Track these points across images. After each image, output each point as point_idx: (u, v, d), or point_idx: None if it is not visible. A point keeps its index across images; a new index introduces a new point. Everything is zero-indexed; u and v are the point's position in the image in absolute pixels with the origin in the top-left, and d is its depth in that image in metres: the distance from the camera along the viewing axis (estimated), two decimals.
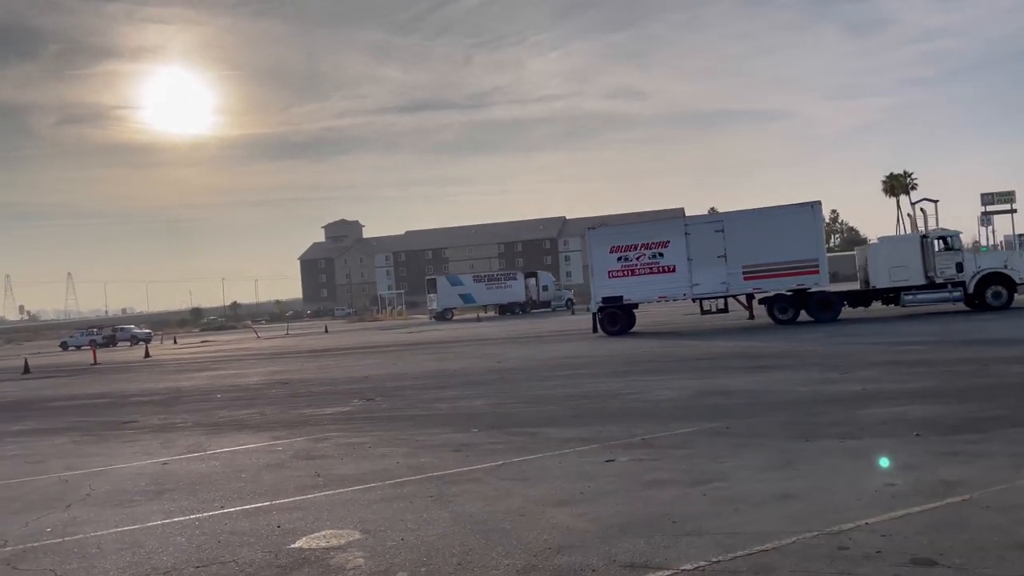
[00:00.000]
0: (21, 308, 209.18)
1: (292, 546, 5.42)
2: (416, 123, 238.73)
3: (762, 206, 26.25)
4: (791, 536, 4.76)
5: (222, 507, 6.75)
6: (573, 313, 56.69)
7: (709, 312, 26.60)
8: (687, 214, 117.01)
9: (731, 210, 25.92)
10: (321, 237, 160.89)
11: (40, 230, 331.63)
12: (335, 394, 15.37)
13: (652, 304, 28.03)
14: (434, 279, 63.46)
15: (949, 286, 23.76)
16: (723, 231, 25.21)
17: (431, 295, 60.84)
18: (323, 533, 5.67)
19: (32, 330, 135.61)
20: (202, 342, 54.92)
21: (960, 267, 23.75)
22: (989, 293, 23.59)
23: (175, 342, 56.81)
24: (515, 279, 63.40)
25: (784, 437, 7.80)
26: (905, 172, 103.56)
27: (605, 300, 26.26)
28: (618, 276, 26.02)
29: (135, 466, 9.13)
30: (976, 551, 4.28)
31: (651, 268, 25.78)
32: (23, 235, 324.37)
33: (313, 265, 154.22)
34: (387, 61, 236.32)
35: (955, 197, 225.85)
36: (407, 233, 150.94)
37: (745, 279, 24.96)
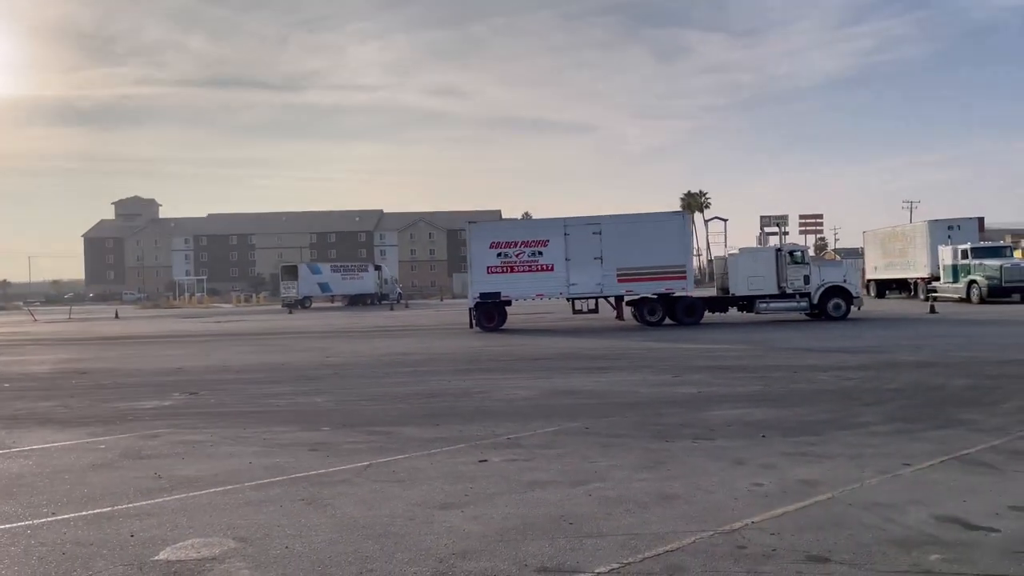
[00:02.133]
0: None
1: (156, 558, 4.83)
2: (222, 99, 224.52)
3: (634, 212, 27.22)
4: (690, 536, 4.92)
5: (54, 513, 5.90)
6: (407, 307, 56.21)
7: (580, 312, 27.17)
8: (503, 216, 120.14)
9: (609, 213, 26.62)
10: (110, 214, 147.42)
11: None
12: (147, 386, 14.06)
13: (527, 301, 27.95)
14: (294, 266, 60.87)
15: (797, 296, 25.94)
16: (600, 234, 25.86)
17: (288, 282, 58.07)
18: (190, 543, 5.10)
19: None
20: None
21: (807, 279, 25.99)
22: (830, 305, 25.90)
23: None
24: (367, 271, 63.49)
25: (644, 437, 8.11)
26: (700, 191, 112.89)
27: (483, 296, 26.06)
28: (497, 272, 25.95)
29: None
30: (860, 547, 4.64)
31: (530, 266, 25.94)
32: None
33: (99, 244, 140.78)
34: (193, 29, 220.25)
35: (742, 216, 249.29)
36: (210, 216, 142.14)
37: (619, 281, 25.82)
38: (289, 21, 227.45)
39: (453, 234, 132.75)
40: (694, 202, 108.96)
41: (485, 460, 7.30)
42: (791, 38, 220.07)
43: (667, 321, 25.91)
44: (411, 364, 16.55)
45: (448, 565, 4.57)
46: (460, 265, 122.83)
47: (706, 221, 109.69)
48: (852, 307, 26.09)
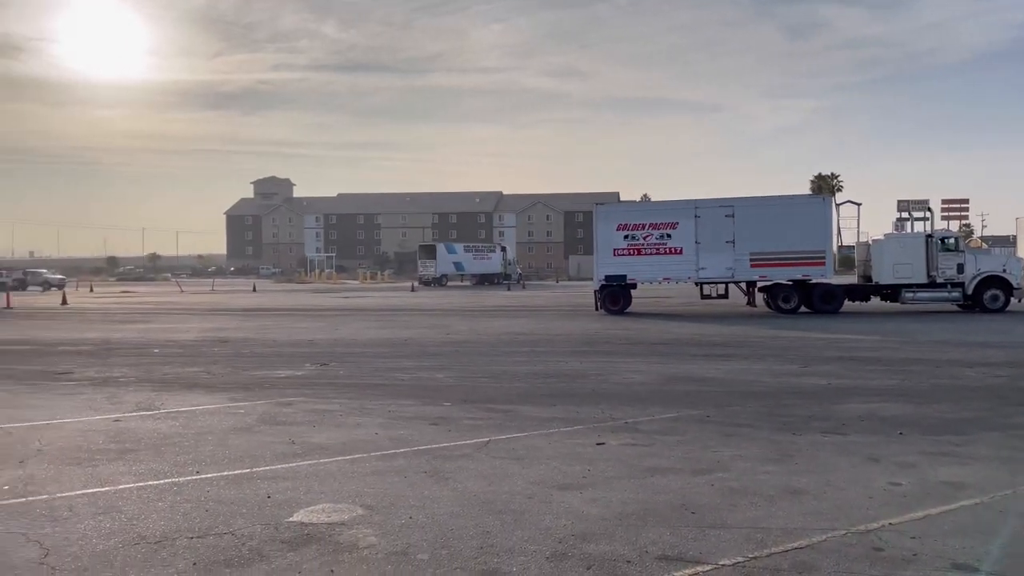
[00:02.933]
0: None
1: (291, 519, 5.08)
2: (351, 83, 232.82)
3: (771, 194, 26.26)
4: (820, 534, 4.70)
5: (198, 472, 6.32)
6: (524, 287, 56.88)
7: (709, 297, 26.47)
8: (621, 199, 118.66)
9: (742, 196, 25.73)
10: (249, 193, 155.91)
11: None
12: (282, 356, 14.82)
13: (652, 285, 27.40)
14: (432, 245, 63.89)
15: (949, 286, 24.21)
16: (733, 216, 24.98)
17: (426, 261, 61.12)
18: (321, 507, 5.34)
19: None
20: (122, 292, 52.54)
21: (961, 268, 24.21)
22: (987, 295, 24.04)
23: (91, 290, 54.16)
24: (495, 252, 65.33)
25: (768, 428, 7.81)
26: (832, 173, 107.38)
27: (608, 278, 25.72)
28: (623, 254, 25.56)
29: (85, 421, 8.52)
30: (1014, 559, 4.29)
31: (658, 249, 25.35)
32: None
33: (239, 221, 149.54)
34: (326, 17, 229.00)
35: (874, 201, 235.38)
36: (339, 196, 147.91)
37: (752, 266, 24.88)
38: (415, 6, 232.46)
39: (570, 216, 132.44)
40: (825, 185, 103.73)
41: (603, 443, 7.24)
42: (936, 10, 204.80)
43: (802, 309, 24.79)
44: (529, 344, 16.66)
45: (567, 546, 4.56)
46: (577, 247, 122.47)
47: (838, 205, 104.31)
48: (1012, 299, 24.08)
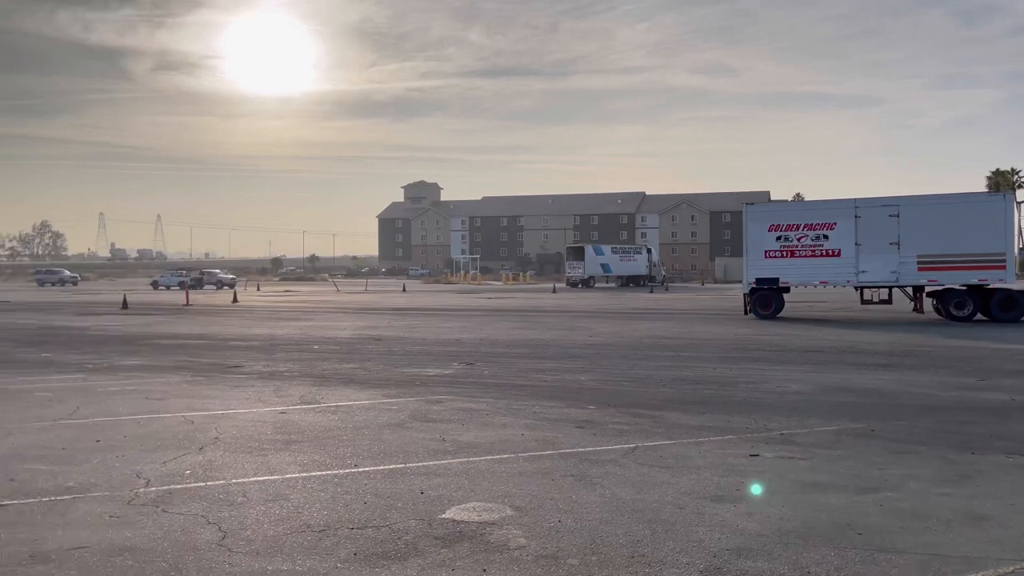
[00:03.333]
0: (112, 245, 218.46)
1: (443, 516, 5.21)
2: (497, 88, 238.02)
3: (940, 192, 24.63)
4: (1008, 564, 4.27)
5: (356, 465, 6.61)
6: (667, 289, 56.04)
7: (870, 302, 24.75)
8: (772, 198, 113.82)
9: (908, 194, 24.14)
10: (400, 197, 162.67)
11: (133, 171, 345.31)
12: (431, 355, 15.29)
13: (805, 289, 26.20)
14: (581, 247, 64.76)
15: None
16: (898, 216, 23.42)
17: (574, 262, 62.23)
18: (472, 505, 5.44)
19: (123, 268, 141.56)
20: (285, 291, 56.19)
21: None
22: None
23: (258, 289, 58.31)
24: (640, 253, 65.08)
25: (942, 447, 7.21)
26: (1012, 169, 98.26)
27: (759, 281, 24.79)
28: (775, 256, 24.56)
29: (255, 412, 9.15)
30: None
31: (813, 251, 24.22)
32: (117, 175, 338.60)
33: (391, 224, 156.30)
34: (472, 24, 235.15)
35: None
36: (484, 199, 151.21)
37: (920, 269, 23.21)
38: (560, 8, 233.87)
39: (716, 216, 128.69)
40: (1004, 181, 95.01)
41: (756, 455, 6.95)
42: None
43: (978, 317, 22.78)
44: (673, 348, 16.30)
45: (722, 561, 4.40)
46: (723, 248, 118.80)
47: (1018, 203, 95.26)
48: None
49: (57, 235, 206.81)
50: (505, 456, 6.92)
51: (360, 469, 6.49)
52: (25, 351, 16.27)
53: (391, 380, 11.84)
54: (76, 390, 10.88)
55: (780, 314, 24.81)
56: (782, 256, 24.50)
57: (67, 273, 76.84)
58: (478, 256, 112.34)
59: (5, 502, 5.56)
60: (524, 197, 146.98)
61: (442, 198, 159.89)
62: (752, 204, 26.59)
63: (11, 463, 6.68)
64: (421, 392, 10.66)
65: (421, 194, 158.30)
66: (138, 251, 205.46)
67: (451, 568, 4.32)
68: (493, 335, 19.81)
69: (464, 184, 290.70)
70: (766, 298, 24.85)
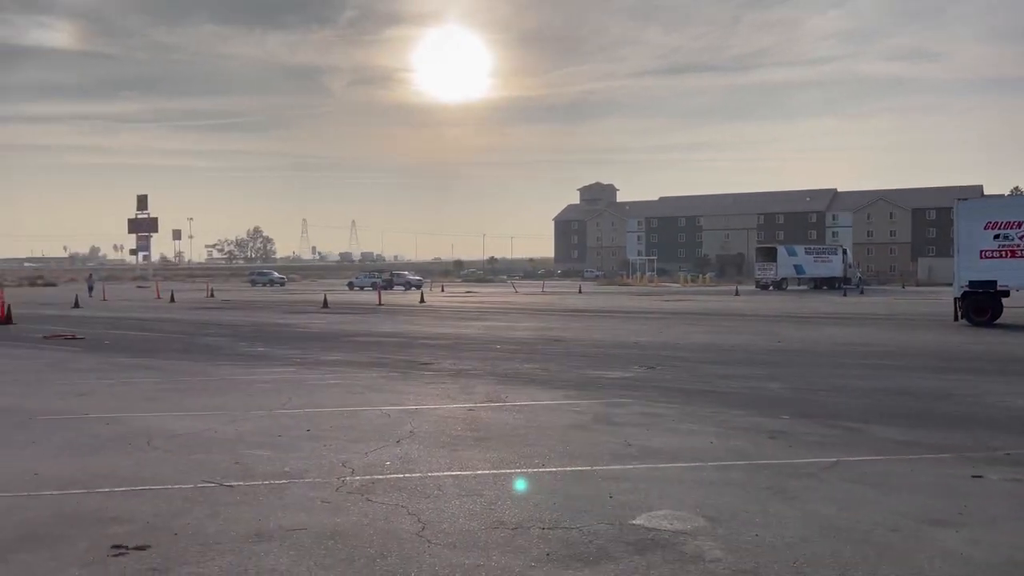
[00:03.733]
0: (313, 248, 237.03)
1: (634, 522, 5.13)
2: (674, 87, 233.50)
3: None
4: None
5: (543, 465, 6.69)
6: (862, 292, 52.53)
7: None
8: (985, 193, 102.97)
9: None
10: (576, 199, 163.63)
11: (331, 180, 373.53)
12: (610, 357, 15.21)
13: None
14: (772, 248, 62.53)
15: None
16: None
17: (764, 263, 60.18)
18: (663, 513, 5.33)
19: (322, 269, 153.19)
20: (466, 292, 58.26)
21: None
22: None
23: (442, 290, 60.86)
24: (835, 254, 61.72)
25: None
26: None
27: (972, 284, 22.56)
28: (993, 257, 22.31)
29: (445, 409, 9.52)
30: None
31: None
32: (317, 183, 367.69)
33: (567, 226, 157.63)
34: (649, 23, 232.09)
35: None
36: (661, 199, 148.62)
37: None
38: (741, 1, 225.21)
39: (919, 214, 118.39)
40: None
41: (979, 476, 6.28)
42: None
43: None
44: (873, 356, 15.15)
45: None
46: (927, 248, 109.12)
47: None
48: None
49: (267, 239, 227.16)
50: (694, 464, 6.73)
51: (547, 469, 6.56)
52: (245, 345, 17.99)
53: (572, 381, 11.90)
54: (287, 382, 11.85)
55: (997, 320, 22.37)
56: (1001, 256, 22.05)
57: (276, 275, 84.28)
58: (655, 257, 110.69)
59: (233, 483, 6.15)
60: (703, 196, 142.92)
61: (618, 199, 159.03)
62: (965, 200, 24.20)
63: (237, 447, 7.39)
64: (603, 395, 10.62)
65: (597, 196, 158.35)
66: (339, 254, 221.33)
67: None
68: (673, 338, 19.40)
69: (640, 185, 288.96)
70: (981, 303, 22.46)
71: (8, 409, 9.47)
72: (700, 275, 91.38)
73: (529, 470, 6.52)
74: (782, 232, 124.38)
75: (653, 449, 7.31)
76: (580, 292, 56.16)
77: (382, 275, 65.70)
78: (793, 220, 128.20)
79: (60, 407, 9.63)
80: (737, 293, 51.08)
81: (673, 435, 7.98)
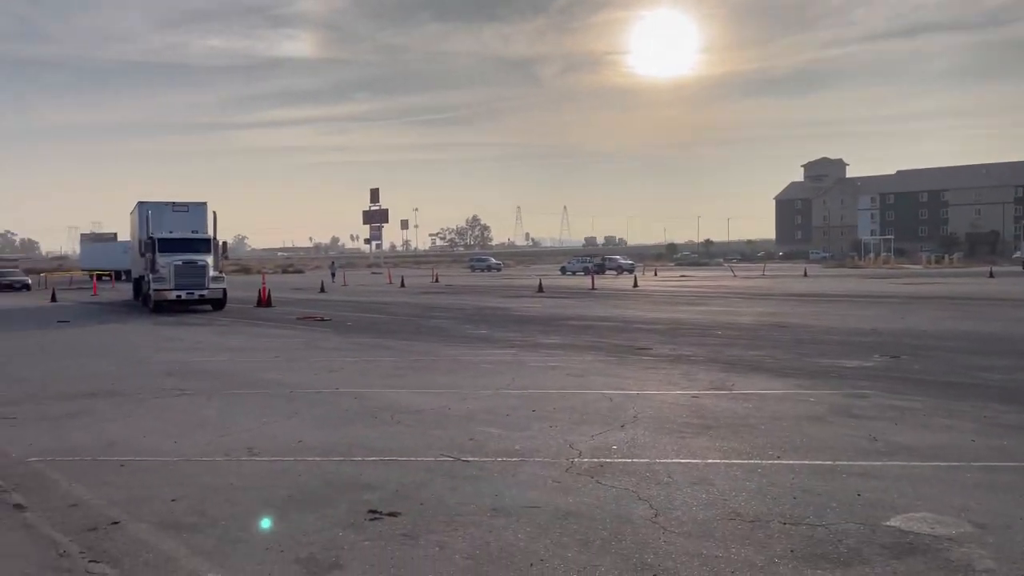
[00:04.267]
0: (527, 235, 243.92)
1: (888, 524, 4.73)
2: (912, 48, 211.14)
3: None
4: None
5: (778, 457, 6.37)
6: None
7: None
8: None
9: None
10: (799, 176, 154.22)
11: (543, 167, 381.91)
12: (845, 345, 14.15)
13: None
14: None
15: None
16: None
17: None
18: (921, 515, 4.86)
19: (535, 255, 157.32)
20: (680, 276, 57.03)
21: None
22: None
23: (655, 274, 60.03)
24: None
25: None
26: None
27: None
28: None
29: (668, 395, 9.37)
30: None
31: None
32: (530, 171, 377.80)
33: (789, 206, 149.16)
34: None
35: None
36: (898, 173, 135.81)
37: None
38: None
39: None
40: None
41: None
42: None
43: None
44: None
45: None
46: None
47: None
48: None
49: (484, 227, 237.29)
50: (953, 464, 6.07)
51: (784, 462, 6.23)
52: (469, 328, 18.90)
53: (803, 370, 11.22)
54: (509, 363, 12.28)
55: None
56: None
57: (493, 260, 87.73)
58: (891, 237, 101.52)
59: (468, 458, 6.46)
60: (949, 168, 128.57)
61: (847, 175, 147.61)
62: None
63: (469, 424, 7.76)
64: (839, 384, 9.90)
65: (823, 172, 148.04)
66: (551, 240, 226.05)
67: None
68: (917, 325, 17.67)
69: (872, 159, 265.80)
70: None
71: (275, 383, 10.67)
72: (945, 256, 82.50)
73: (763, 461, 6.23)
74: None
75: (903, 445, 6.69)
76: (805, 275, 52.89)
77: (594, 260, 66.06)
78: None
79: (315, 382, 10.68)
80: (992, 275, 45.48)
81: (926, 431, 7.25)
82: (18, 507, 5.39)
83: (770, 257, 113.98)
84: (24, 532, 4.90)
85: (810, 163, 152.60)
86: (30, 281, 45.87)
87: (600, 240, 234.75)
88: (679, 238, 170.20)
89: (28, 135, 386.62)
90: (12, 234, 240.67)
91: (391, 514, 5.07)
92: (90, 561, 4.41)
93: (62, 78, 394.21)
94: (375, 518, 5.01)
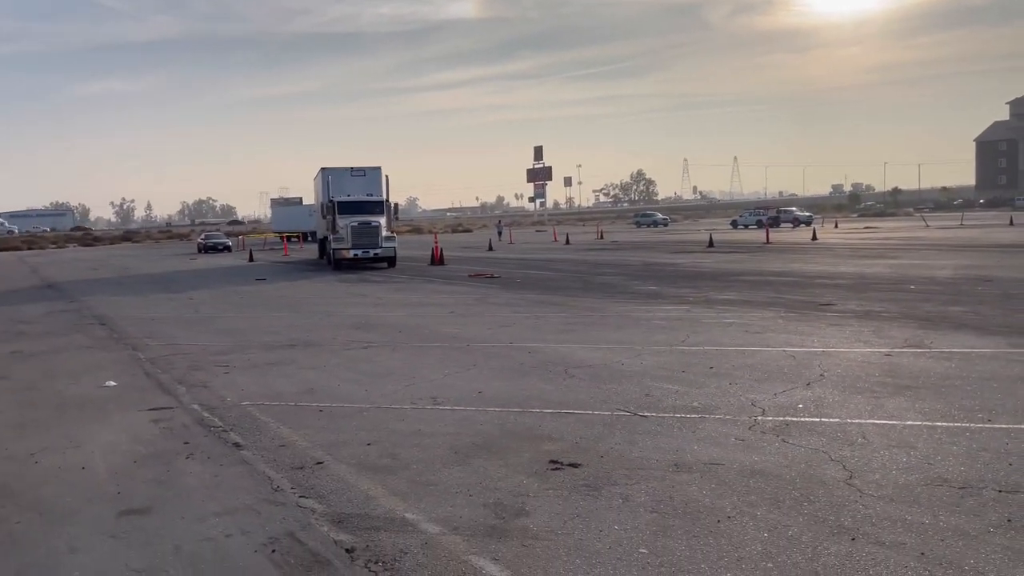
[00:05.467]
0: (694, 188, 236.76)
1: None
2: None
3: None
4: None
5: (989, 420, 5.82)
6: None
7: None
8: None
9: None
10: (1004, 115, 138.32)
11: (711, 117, 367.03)
12: None
13: None
14: None
15: None
16: None
17: None
18: None
19: (704, 209, 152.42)
20: (865, 228, 53.22)
21: None
22: None
23: (836, 226, 56.40)
24: None
25: None
26: None
27: None
28: None
29: (857, 352, 8.81)
30: None
31: None
32: (697, 122, 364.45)
33: (991, 147, 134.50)
34: None
35: None
36: None
37: None
38: None
39: None
40: None
41: None
42: None
43: None
44: None
45: None
46: None
47: None
48: None
49: (649, 182, 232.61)
50: None
51: (995, 425, 5.69)
52: (637, 284, 18.69)
53: (1015, 327, 10.15)
54: (682, 320, 12.02)
55: None
56: None
57: (659, 216, 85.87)
58: None
59: (645, 413, 6.42)
60: None
61: None
62: None
63: (644, 380, 7.70)
64: None
65: None
66: (719, 193, 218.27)
67: None
68: None
69: None
70: None
71: (453, 336, 11.10)
72: None
73: (971, 425, 5.72)
74: None
75: None
76: (1011, 224, 47.70)
77: (768, 212, 63.01)
78: None
79: (489, 336, 10.99)
80: None
81: None
82: (236, 445, 5.98)
83: (969, 205, 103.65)
84: (243, 468, 5.43)
85: (1017, 100, 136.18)
86: (231, 243, 50.58)
87: (774, 192, 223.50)
88: (861, 187, 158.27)
89: (224, 109, 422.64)
90: (213, 200, 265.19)
91: (572, 465, 5.15)
92: (300, 496, 4.81)
93: (253, 55, 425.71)
94: (556, 468, 5.10)
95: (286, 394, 7.72)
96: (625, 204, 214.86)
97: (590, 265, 26.30)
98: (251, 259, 35.56)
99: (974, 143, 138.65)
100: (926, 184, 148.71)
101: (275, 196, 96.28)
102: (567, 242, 45.04)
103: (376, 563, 3.82)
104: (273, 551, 4.02)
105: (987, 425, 5.70)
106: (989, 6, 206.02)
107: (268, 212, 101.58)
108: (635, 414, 6.39)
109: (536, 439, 5.79)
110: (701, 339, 10.11)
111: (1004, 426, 5.65)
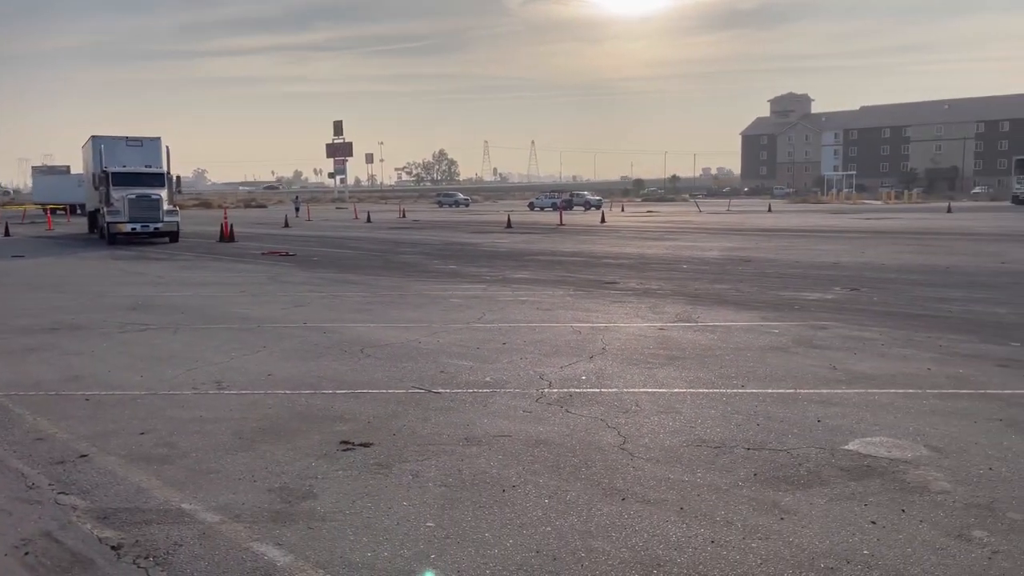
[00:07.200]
0: (495, 170, 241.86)
1: (846, 447, 4.89)
2: None
3: None
4: None
5: (743, 386, 6.51)
6: None
7: None
8: None
9: None
10: (766, 112, 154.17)
11: (510, 101, 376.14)
12: (807, 278, 14.40)
13: None
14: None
15: None
16: None
17: (1022, 176, 54.40)
18: (878, 439, 5.03)
19: (503, 191, 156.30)
20: (647, 212, 57.21)
21: None
22: None
23: (623, 210, 60.15)
24: None
25: None
26: None
27: None
28: None
29: (635, 327, 9.48)
30: None
31: None
32: (497, 105, 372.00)
33: (754, 141, 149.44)
34: None
35: None
36: (862, 109, 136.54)
37: None
38: None
39: None
40: None
41: None
42: None
43: None
44: None
45: None
46: None
47: None
48: None
49: (451, 162, 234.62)
50: (910, 391, 6.26)
51: (748, 390, 6.37)
52: (437, 263, 18.83)
53: (767, 302, 11.42)
54: (479, 298, 12.30)
55: None
56: None
57: (461, 196, 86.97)
58: (853, 173, 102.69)
59: (440, 390, 6.51)
60: (912, 104, 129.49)
61: (812, 110, 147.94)
62: None
63: (440, 357, 7.80)
64: (802, 316, 10.11)
65: (789, 107, 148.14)
66: (518, 175, 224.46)
67: (862, 503, 4.04)
68: (877, 259, 18.02)
69: (838, 95, 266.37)
70: None
71: (242, 317, 10.57)
72: (905, 191, 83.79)
73: (728, 390, 6.37)
74: (1006, 142, 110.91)
75: (862, 374, 6.88)
76: (770, 211, 53.45)
77: (562, 196, 65.84)
78: (1021, 127, 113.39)
79: (281, 316, 10.60)
80: (949, 210, 46.39)
81: (884, 360, 7.46)
82: None
83: (735, 193, 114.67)
84: None
85: (776, 98, 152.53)
86: None
87: (568, 176, 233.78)
88: (645, 174, 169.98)
89: None
90: None
91: (364, 444, 5.11)
92: (59, 493, 4.39)
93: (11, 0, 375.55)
94: (347, 449, 5.04)
95: (46, 382, 6.98)
96: (428, 183, 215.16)
97: (391, 244, 26.09)
98: (7, 233, 31.63)
99: (740, 136, 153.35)
100: (700, 173, 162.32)
101: (37, 164, 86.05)
102: (368, 220, 44.35)
103: (146, 558, 3.58)
104: (26, 553, 3.65)
105: (740, 390, 6.37)
106: (755, 12, 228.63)
107: (29, 181, 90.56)
108: (429, 391, 6.46)
109: (327, 420, 5.68)
110: (496, 317, 10.40)
111: (754, 391, 6.35)
